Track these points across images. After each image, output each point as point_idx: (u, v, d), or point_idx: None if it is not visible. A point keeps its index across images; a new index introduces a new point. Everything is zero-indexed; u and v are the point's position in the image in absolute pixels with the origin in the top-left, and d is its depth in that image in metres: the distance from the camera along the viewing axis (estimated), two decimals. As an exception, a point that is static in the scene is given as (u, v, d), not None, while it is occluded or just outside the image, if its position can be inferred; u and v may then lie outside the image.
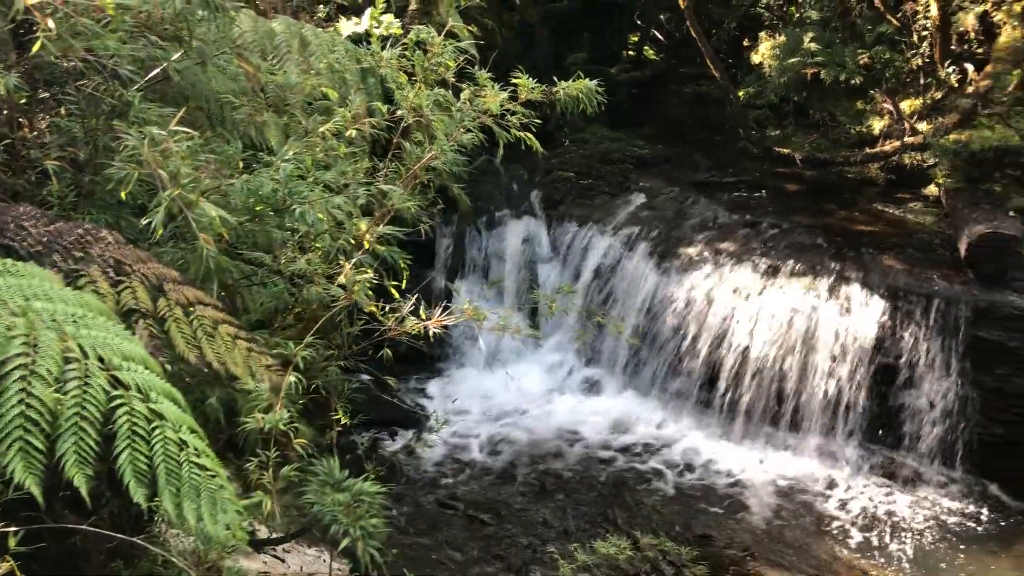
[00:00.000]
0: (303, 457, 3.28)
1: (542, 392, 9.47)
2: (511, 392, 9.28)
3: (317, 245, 3.63)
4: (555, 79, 4.35)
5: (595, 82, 4.25)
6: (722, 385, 8.78)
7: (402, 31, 4.76)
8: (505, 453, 8.33)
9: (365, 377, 7.55)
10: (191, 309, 2.64)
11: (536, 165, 10.94)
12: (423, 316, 3.81)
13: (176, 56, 3.78)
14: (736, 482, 8.06)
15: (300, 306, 3.68)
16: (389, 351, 3.95)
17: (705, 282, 9.05)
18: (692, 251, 9.40)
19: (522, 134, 4.05)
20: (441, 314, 4.01)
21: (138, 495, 2.06)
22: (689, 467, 8.27)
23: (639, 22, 15.37)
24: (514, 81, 4.10)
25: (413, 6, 6.03)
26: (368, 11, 5.15)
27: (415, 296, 3.89)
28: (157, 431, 2.16)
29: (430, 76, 4.02)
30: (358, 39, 5.08)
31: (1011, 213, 8.55)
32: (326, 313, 3.51)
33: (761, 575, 6.80)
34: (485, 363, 9.87)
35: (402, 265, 3.94)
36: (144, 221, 3.20)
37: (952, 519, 7.57)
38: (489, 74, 4.24)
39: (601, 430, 8.76)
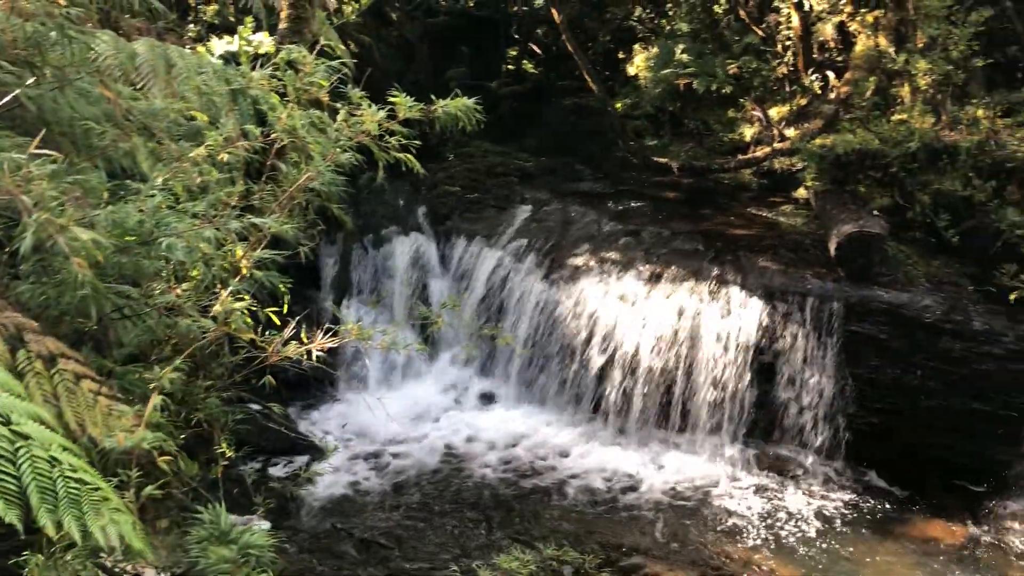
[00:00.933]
0: (177, 479, 3.15)
1: (437, 409, 9.41)
2: (405, 411, 9.20)
3: (192, 274, 3.50)
4: (434, 96, 4.35)
5: (473, 100, 4.26)
6: (613, 391, 8.93)
7: (275, 50, 4.66)
8: (401, 473, 8.23)
9: (255, 406, 7.36)
10: (53, 362, 2.50)
11: (421, 180, 10.91)
12: (305, 340, 3.73)
13: (31, 81, 3.59)
14: (632, 486, 8.20)
15: (176, 338, 3.54)
16: (271, 378, 3.84)
17: (592, 291, 9.20)
18: (579, 261, 9.54)
19: (402, 155, 4.02)
20: (325, 336, 3.94)
21: (10, 515, 1.94)
22: (586, 474, 8.35)
23: (517, 36, 15.57)
24: (392, 100, 4.07)
25: (284, 25, 5.91)
26: (239, 30, 5.03)
27: (297, 320, 3.80)
28: (23, 451, 2.04)
29: (303, 96, 3.95)
30: (230, 59, 4.95)
31: (875, 212, 9.00)
32: (203, 344, 3.38)
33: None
34: (378, 383, 9.74)
35: (282, 289, 3.85)
36: (9, 250, 3.02)
37: (837, 508, 7.90)
38: (366, 92, 4.19)
39: (498, 444, 8.77)
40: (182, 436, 3.47)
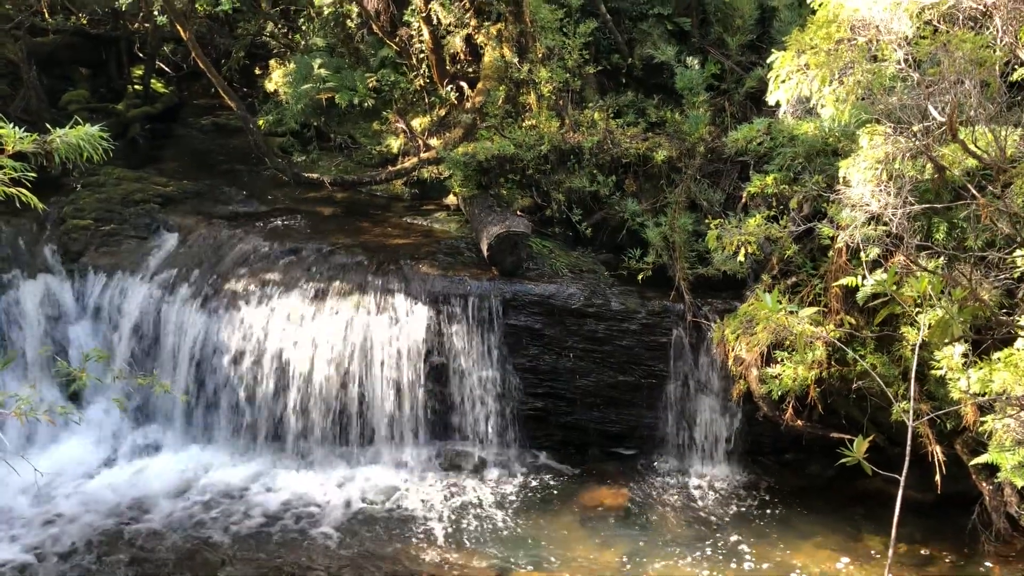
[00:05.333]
0: None
1: (92, 466, 8.49)
2: (55, 473, 8.20)
3: None
4: (52, 123, 3.93)
5: (99, 127, 3.89)
6: (291, 416, 8.68)
7: None
8: (59, 545, 7.32)
9: None
10: None
11: (45, 215, 9.79)
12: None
13: None
14: (319, 509, 8.04)
15: None
16: None
17: (256, 316, 8.85)
18: (238, 286, 9.12)
19: (14, 191, 3.56)
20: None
21: None
22: (269, 507, 8.04)
23: (142, 55, 14.53)
24: (-4, 131, 3.58)
25: None
26: None
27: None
28: None
29: None
30: None
31: (518, 212, 9.64)
32: None
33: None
34: (17, 447, 8.57)
35: None
36: None
37: (516, 494, 8.36)
38: (-38, 123, 3.65)
39: (168, 491, 8.12)
40: None
